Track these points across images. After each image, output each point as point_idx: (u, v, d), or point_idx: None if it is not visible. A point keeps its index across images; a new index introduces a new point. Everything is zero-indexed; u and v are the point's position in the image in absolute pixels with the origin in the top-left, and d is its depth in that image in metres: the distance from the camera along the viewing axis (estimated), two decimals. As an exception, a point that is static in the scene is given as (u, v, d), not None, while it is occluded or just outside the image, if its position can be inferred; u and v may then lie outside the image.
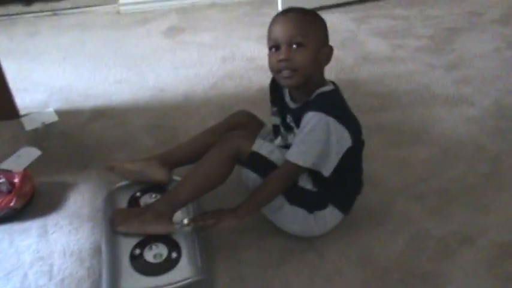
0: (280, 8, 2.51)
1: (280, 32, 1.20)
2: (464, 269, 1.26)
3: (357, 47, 2.22)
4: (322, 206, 1.27)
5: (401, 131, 1.74)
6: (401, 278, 1.23)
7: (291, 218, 1.28)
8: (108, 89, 2.09)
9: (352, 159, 1.26)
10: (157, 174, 1.40)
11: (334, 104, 1.23)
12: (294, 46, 1.18)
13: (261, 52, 2.27)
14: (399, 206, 1.44)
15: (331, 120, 1.17)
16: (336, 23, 2.23)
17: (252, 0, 2.77)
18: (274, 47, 1.21)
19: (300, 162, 1.19)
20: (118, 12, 2.80)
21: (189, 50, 2.35)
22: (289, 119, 1.29)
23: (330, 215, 1.29)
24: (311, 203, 1.27)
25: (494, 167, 1.57)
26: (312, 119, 1.17)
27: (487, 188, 1.49)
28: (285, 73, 1.20)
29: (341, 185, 1.28)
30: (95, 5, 2.90)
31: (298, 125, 1.23)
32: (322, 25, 1.24)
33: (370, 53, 2.21)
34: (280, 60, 1.19)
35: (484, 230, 1.36)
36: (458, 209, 1.43)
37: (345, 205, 1.31)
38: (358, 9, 2.58)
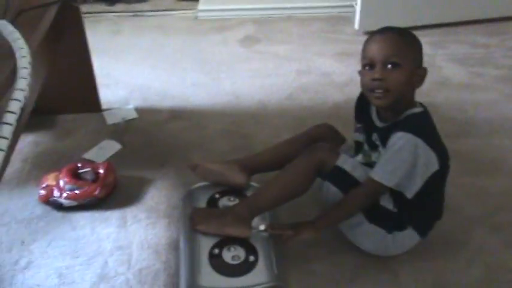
0: (357, 27, 2.53)
1: (376, 50, 1.21)
2: (543, 307, 1.23)
3: (433, 71, 2.20)
4: (401, 227, 1.27)
5: (479, 159, 1.71)
6: (476, 309, 1.22)
7: (369, 235, 1.28)
8: (185, 91, 2.16)
9: (436, 184, 1.26)
10: (237, 177, 1.44)
11: (423, 126, 1.23)
12: (389, 66, 1.19)
13: (336, 68, 2.29)
14: (476, 235, 1.42)
15: (420, 142, 1.17)
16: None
17: (329, 16, 2.79)
18: (368, 65, 1.22)
19: (385, 182, 1.20)
20: (196, 18, 2.89)
21: (265, 60, 2.39)
22: (374, 137, 1.30)
23: (408, 237, 1.28)
24: (391, 223, 1.26)
25: None
26: (401, 139, 1.17)
27: None
28: (377, 92, 1.21)
29: (422, 208, 1.27)
30: (174, 9, 3.00)
31: (384, 144, 1.24)
32: (418, 46, 1.24)
33: (448, 78, 2.19)
34: (374, 79, 1.20)
35: None
36: (538, 245, 1.39)
37: (424, 229, 1.30)
38: (435, 33, 2.57)
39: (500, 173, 1.65)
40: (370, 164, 1.29)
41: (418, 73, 1.23)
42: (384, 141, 1.24)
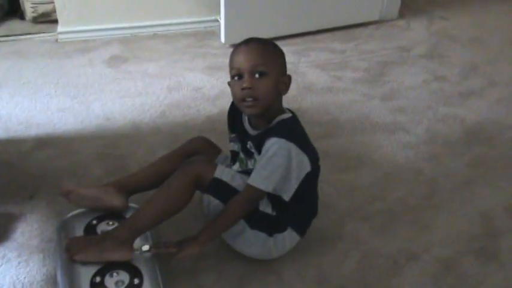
0: (223, 41, 2.58)
1: (243, 61, 1.24)
2: (412, 284, 1.35)
3: (298, 78, 2.32)
4: (281, 229, 1.31)
5: (346, 156, 1.84)
6: (356, 295, 1.30)
7: (252, 242, 1.31)
8: (51, 117, 2.04)
9: (309, 184, 1.32)
10: (114, 200, 1.39)
11: (294, 130, 1.29)
12: (257, 75, 1.24)
13: (206, 82, 2.32)
14: (349, 227, 1.52)
15: (292, 146, 1.22)
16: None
17: (195, 32, 2.82)
18: (237, 75, 1.26)
19: (262, 187, 1.23)
20: (56, 41, 2.75)
21: (134, 79, 2.35)
22: (249, 144, 1.33)
23: (289, 238, 1.33)
24: (271, 226, 1.30)
25: (432, 189, 1.69)
26: (274, 145, 1.22)
27: (426, 208, 1.61)
28: (248, 101, 1.25)
29: (299, 209, 1.33)
30: (31, 33, 2.83)
31: (259, 151, 1.27)
32: (281, 55, 1.31)
33: (312, 83, 2.32)
34: (243, 89, 1.24)
35: (427, 247, 1.46)
36: (403, 228, 1.53)
37: (302, 228, 1.36)
38: (298, 43, 2.71)
39: (365, 168, 1.79)
40: (247, 172, 1.32)
41: (283, 81, 1.29)
42: (259, 148, 1.28)
